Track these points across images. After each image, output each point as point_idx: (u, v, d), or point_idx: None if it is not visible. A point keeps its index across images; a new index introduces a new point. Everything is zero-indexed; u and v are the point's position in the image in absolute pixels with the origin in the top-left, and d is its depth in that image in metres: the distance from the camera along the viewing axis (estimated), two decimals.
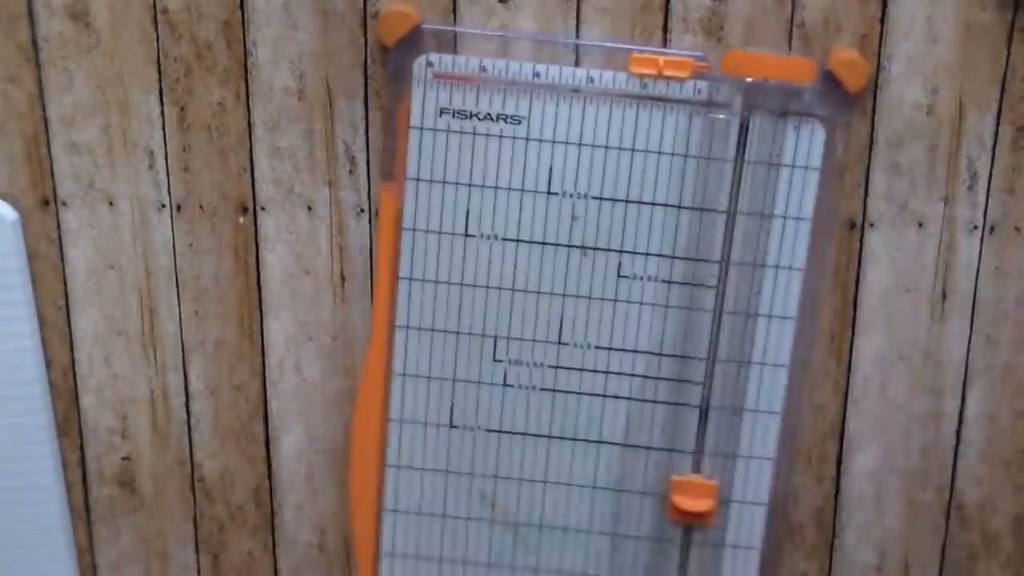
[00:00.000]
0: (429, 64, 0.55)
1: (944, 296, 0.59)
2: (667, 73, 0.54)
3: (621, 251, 0.57)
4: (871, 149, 0.57)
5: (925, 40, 0.55)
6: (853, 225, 0.58)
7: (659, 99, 0.55)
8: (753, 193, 0.56)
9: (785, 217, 0.56)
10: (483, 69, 0.55)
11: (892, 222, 0.58)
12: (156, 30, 0.56)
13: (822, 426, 0.61)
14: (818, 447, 0.61)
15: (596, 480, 0.59)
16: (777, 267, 0.56)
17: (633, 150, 0.55)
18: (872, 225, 0.58)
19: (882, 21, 0.55)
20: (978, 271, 0.58)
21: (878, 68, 0.55)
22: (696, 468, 0.59)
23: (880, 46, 0.55)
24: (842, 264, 0.58)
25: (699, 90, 0.55)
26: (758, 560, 0.60)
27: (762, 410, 0.58)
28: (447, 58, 0.55)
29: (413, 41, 0.55)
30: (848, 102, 0.54)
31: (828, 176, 0.55)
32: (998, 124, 0.56)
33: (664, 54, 0.54)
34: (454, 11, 0.55)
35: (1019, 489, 0.62)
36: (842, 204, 0.57)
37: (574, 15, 0.55)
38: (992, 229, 0.58)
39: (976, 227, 0.58)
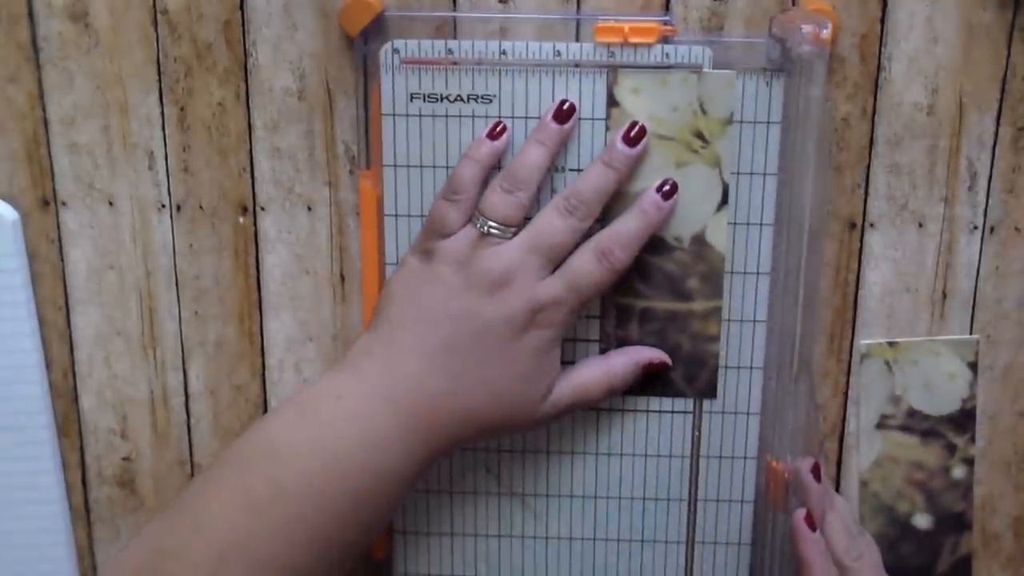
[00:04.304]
0: (395, 51, 0.54)
1: (944, 296, 0.59)
2: (633, 40, 0.54)
3: (602, 221, 0.55)
4: (871, 149, 0.57)
5: (925, 40, 0.55)
6: (853, 225, 0.58)
7: (628, 66, 0.54)
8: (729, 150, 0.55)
9: (751, 173, 0.55)
10: (450, 51, 0.54)
11: (892, 222, 0.58)
12: (156, 30, 0.56)
13: (822, 426, 0.61)
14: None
15: (598, 448, 0.59)
16: (748, 224, 0.56)
17: (607, 119, 0.55)
18: (872, 225, 0.58)
19: (882, 21, 0.55)
20: (978, 271, 0.58)
21: (878, 68, 0.55)
22: (696, 443, 0.59)
23: (880, 46, 0.55)
24: (842, 264, 0.58)
25: (667, 54, 0.54)
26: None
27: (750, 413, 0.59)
28: (412, 43, 0.54)
29: (378, 29, 0.55)
30: (816, 53, 0.52)
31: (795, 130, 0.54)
32: (998, 124, 0.56)
33: (629, 20, 0.54)
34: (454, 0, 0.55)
35: (1021, 488, 0.62)
36: (842, 204, 0.57)
37: (573, 16, 0.55)
38: (992, 229, 0.58)
39: (976, 227, 0.58)
